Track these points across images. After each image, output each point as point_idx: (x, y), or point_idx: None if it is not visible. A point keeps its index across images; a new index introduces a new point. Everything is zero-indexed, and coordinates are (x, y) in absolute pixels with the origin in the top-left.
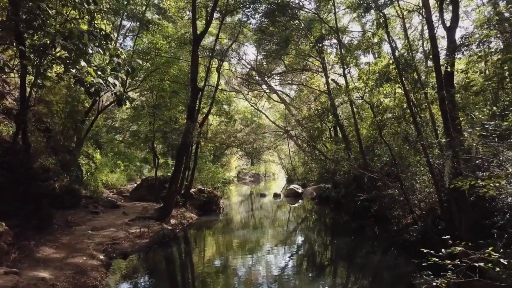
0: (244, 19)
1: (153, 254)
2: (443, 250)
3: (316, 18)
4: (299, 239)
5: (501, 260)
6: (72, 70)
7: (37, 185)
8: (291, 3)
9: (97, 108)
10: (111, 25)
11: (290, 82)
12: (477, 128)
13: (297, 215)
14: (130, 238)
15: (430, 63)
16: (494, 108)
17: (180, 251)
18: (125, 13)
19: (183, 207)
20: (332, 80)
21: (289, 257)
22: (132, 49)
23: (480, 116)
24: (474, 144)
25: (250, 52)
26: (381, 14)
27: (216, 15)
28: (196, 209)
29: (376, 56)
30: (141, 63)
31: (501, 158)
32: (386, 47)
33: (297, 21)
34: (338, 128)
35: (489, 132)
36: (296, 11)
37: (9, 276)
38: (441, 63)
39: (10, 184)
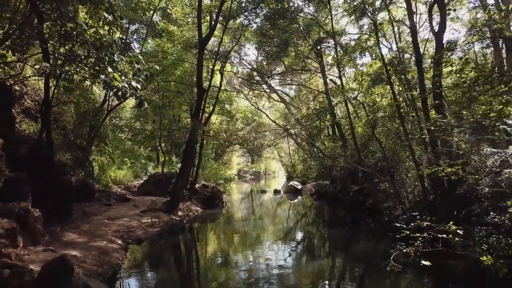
0: (246, 23)
1: (164, 242)
2: (412, 224)
3: (314, 21)
4: (297, 231)
5: (458, 230)
6: (102, 76)
7: (59, 178)
8: (290, 8)
9: (106, 108)
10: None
11: (290, 82)
12: (427, 124)
13: (296, 209)
14: (143, 227)
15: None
16: (483, 107)
17: (188, 239)
18: (139, 21)
19: (189, 201)
20: (331, 80)
21: (287, 247)
22: (140, 51)
23: (467, 114)
24: (443, 139)
25: (251, 52)
26: (372, 21)
27: (219, 18)
28: (200, 203)
29: (373, 56)
30: (158, 68)
31: (467, 151)
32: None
33: (296, 24)
34: (335, 127)
35: (437, 127)
36: (295, 14)
37: (47, 252)
38: (430, 65)
39: (36, 177)
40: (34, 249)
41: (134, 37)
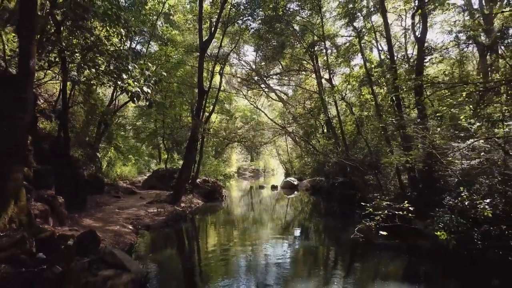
0: (244, 27)
1: (169, 228)
2: (373, 202)
3: (309, 25)
4: (290, 221)
5: (409, 208)
6: (118, 82)
7: (74, 172)
8: (286, 12)
9: (113, 108)
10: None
11: (288, 81)
12: (373, 121)
13: (291, 203)
14: (150, 215)
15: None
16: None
17: (190, 227)
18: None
19: (190, 194)
20: (326, 80)
21: (279, 234)
22: (143, 53)
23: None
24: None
25: (249, 53)
26: (356, 30)
27: (219, 24)
28: (201, 197)
29: (366, 58)
30: (165, 74)
31: (429, 144)
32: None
33: (291, 28)
34: (328, 125)
35: (387, 125)
36: (291, 18)
37: (73, 231)
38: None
39: (56, 170)
40: (61, 229)
41: (138, 39)
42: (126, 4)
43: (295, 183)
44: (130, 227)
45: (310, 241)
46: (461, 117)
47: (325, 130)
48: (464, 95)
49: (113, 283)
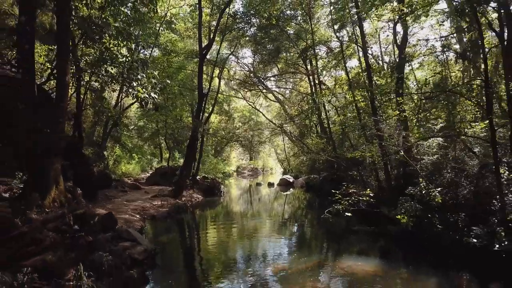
0: (240, 33)
1: (172, 218)
2: (341, 188)
3: (301, 31)
4: (281, 212)
5: (370, 194)
6: (130, 90)
7: (88, 168)
8: (281, 18)
9: (119, 109)
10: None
11: (284, 82)
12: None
13: (284, 198)
14: (154, 207)
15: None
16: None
17: (191, 218)
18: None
19: (191, 190)
20: (317, 83)
21: (269, 224)
22: (145, 56)
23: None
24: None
25: (247, 55)
26: (339, 40)
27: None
28: (201, 192)
29: (359, 62)
30: (169, 82)
31: (395, 142)
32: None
33: (285, 34)
34: (320, 125)
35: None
36: (285, 24)
37: None
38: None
39: (71, 167)
40: None
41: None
42: (134, 16)
43: (291, 180)
44: (138, 216)
45: (297, 229)
46: (413, 120)
47: (318, 130)
48: (415, 102)
49: (130, 251)
